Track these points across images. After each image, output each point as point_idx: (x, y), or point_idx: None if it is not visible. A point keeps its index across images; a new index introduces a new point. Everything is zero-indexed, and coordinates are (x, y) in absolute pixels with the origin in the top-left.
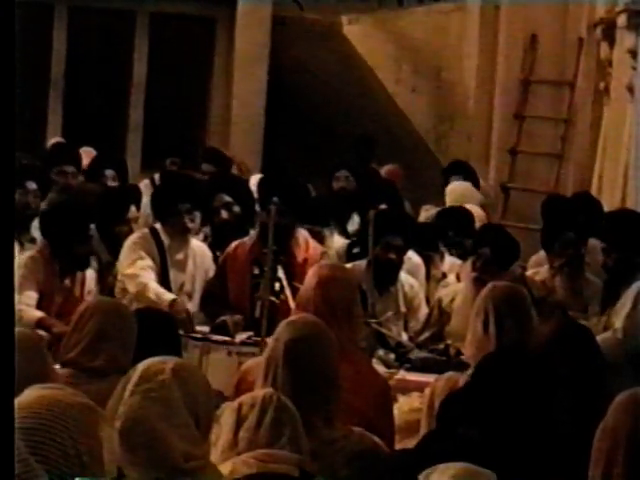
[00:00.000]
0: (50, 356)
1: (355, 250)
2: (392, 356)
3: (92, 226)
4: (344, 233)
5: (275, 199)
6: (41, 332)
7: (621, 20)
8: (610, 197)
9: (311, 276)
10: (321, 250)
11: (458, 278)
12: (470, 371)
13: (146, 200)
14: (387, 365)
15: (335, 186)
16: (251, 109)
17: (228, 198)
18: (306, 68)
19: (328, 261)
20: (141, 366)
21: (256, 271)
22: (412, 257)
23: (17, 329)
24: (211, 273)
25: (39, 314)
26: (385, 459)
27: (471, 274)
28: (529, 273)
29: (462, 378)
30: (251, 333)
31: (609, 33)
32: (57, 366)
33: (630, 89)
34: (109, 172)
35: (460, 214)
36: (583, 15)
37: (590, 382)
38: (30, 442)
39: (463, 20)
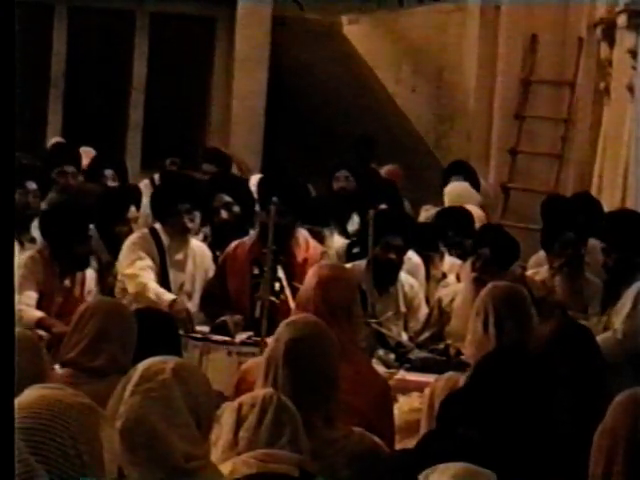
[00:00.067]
0: (48, 357)
1: (355, 250)
2: (392, 356)
3: (91, 226)
4: (344, 233)
5: (275, 199)
6: (41, 332)
7: (621, 20)
8: (610, 197)
9: (311, 276)
10: (321, 250)
11: (458, 278)
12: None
13: (146, 200)
14: (387, 365)
15: (335, 186)
16: (251, 109)
17: (228, 198)
18: (306, 68)
19: (328, 261)
20: (141, 366)
21: (256, 271)
22: (412, 257)
23: (16, 329)
24: (211, 273)
25: (39, 314)
26: (385, 459)
27: (471, 274)
28: (529, 273)
29: (462, 378)
30: (251, 333)
31: (609, 33)
32: (57, 366)
33: (630, 89)
34: (109, 172)
35: (460, 214)
36: (583, 15)
37: (590, 382)
38: (30, 442)
39: (463, 20)
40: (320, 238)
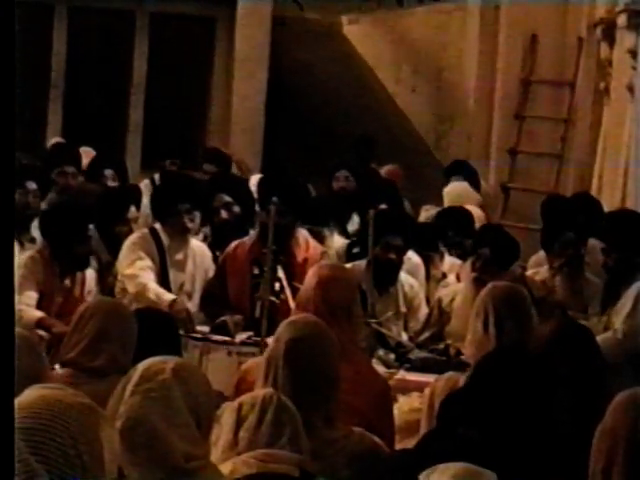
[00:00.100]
0: (47, 357)
1: (355, 250)
2: (392, 356)
3: (91, 226)
4: (344, 233)
5: (275, 199)
6: (41, 332)
7: (621, 20)
8: (610, 197)
9: (311, 276)
10: (321, 250)
11: (458, 278)
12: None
13: (146, 200)
14: (387, 365)
15: (335, 186)
16: (251, 109)
17: (228, 198)
18: (306, 68)
19: (328, 261)
20: (141, 366)
21: (256, 271)
22: (412, 257)
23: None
24: (211, 273)
25: (39, 314)
26: (385, 459)
27: (471, 274)
28: (529, 273)
29: (462, 378)
30: (251, 333)
31: (609, 33)
32: (57, 366)
33: (630, 89)
34: (108, 172)
35: (460, 214)
36: (583, 15)
37: (590, 382)
38: (30, 442)
39: (463, 20)
40: (320, 238)
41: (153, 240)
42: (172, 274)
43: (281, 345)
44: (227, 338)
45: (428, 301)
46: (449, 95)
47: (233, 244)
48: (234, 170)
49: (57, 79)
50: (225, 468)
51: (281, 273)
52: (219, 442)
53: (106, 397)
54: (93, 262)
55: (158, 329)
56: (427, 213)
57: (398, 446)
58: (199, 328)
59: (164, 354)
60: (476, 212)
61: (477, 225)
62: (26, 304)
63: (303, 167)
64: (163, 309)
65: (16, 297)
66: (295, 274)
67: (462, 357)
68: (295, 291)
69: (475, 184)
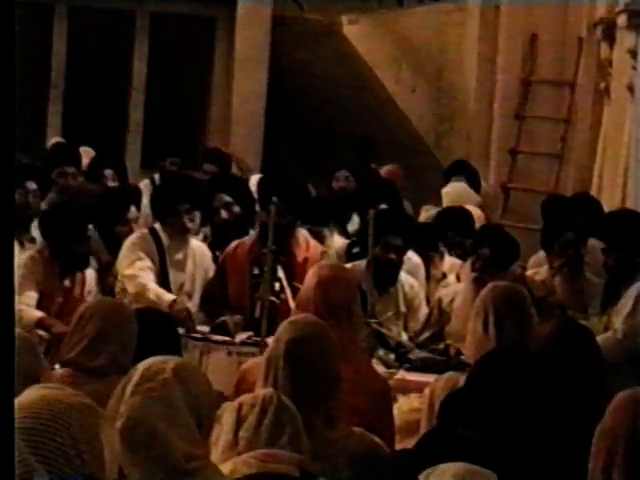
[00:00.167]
0: (45, 359)
1: (355, 250)
2: (392, 356)
3: (90, 226)
4: (344, 233)
5: (275, 199)
6: (41, 332)
7: (621, 20)
8: (610, 197)
9: (311, 276)
10: (321, 250)
11: (458, 278)
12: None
13: (146, 200)
14: (387, 365)
15: (335, 186)
16: (251, 109)
17: (228, 198)
18: (306, 68)
19: (328, 261)
20: (142, 366)
21: (256, 271)
22: (412, 257)
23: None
24: (211, 273)
25: (39, 314)
26: (385, 459)
27: (471, 274)
28: (529, 273)
29: (462, 378)
30: (251, 333)
31: (609, 33)
32: (57, 366)
33: (630, 89)
34: (109, 172)
35: (460, 214)
36: (583, 15)
37: (590, 382)
38: (30, 442)
39: (463, 20)
40: (320, 238)
41: (153, 240)
42: (172, 274)
43: (281, 345)
44: (227, 338)
45: (428, 301)
46: (449, 95)
47: (233, 244)
48: (234, 170)
49: (57, 79)
50: (225, 468)
51: (281, 273)
52: (219, 442)
53: (106, 397)
54: (93, 262)
55: (158, 329)
56: (427, 213)
57: (398, 446)
58: (199, 328)
59: (164, 354)
60: (475, 212)
61: (477, 225)
62: (26, 304)
63: (303, 167)
64: (163, 309)
65: (16, 297)
66: (295, 274)
67: (462, 357)
68: (295, 291)
69: (476, 184)
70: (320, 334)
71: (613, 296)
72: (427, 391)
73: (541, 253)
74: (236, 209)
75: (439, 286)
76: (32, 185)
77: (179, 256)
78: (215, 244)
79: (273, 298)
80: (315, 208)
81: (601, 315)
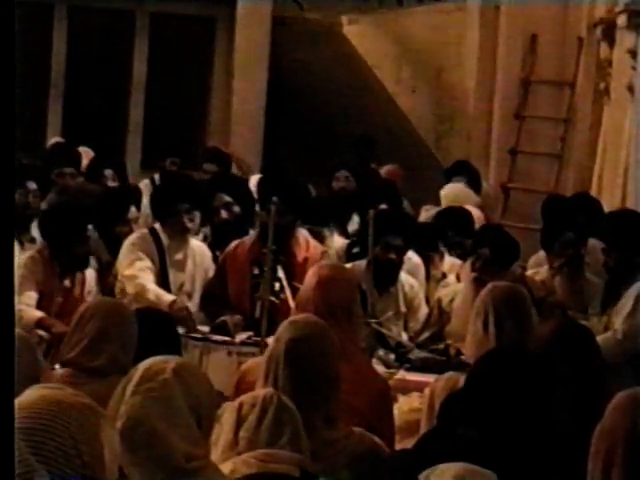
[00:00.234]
0: (45, 360)
1: (355, 250)
2: (392, 356)
3: (90, 226)
4: (344, 233)
5: (275, 199)
6: (41, 332)
7: (621, 20)
8: (610, 197)
9: (311, 276)
10: (321, 250)
11: (458, 278)
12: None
13: (146, 200)
14: (387, 365)
15: (335, 186)
16: (251, 109)
17: (228, 198)
18: (306, 68)
19: (328, 261)
20: (142, 366)
21: (256, 271)
22: (412, 257)
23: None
24: (211, 273)
25: (39, 314)
26: (385, 459)
27: (471, 274)
28: (529, 273)
29: (462, 378)
30: (251, 333)
31: (609, 33)
32: (57, 366)
33: (630, 89)
34: (108, 172)
35: (460, 214)
36: (583, 15)
37: (590, 382)
38: (30, 442)
39: (463, 20)
40: (320, 238)
41: (153, 240)
42: (172, 274)
43: (281, 345)
44: (227, 338)
45: (428, 301)
46: (449, 95)
47: (233, 244)
48: (234, 170)
49: (57, 79)
50: (225, 468)
51: (281, 273)
52: (219, 442)
53: (106, 397)
54: (93, 262)
55: (158, 329)
56: (427, 213)
57: (398, 446)
58: (199, 328)
59: (164, 354)
60: (475, 213)
61: (476, 225)
62: (26, 304)
63: (303, 167)
64: (163, 309)
65: (16, 297)
66: (295, 274)
67: (462, 357)
68: (295, 291)
69: (476, 185)
70: (320, 334)
71: (613, 296)
72: (427, 391)
73: (541, 253)
74: (236, 209)
75: (439, 286)
76: (32, 185)
77: (179, 256)
78: (215, 244)
79: (273, 298)
80: (315, 208)
81: (601, 315)
